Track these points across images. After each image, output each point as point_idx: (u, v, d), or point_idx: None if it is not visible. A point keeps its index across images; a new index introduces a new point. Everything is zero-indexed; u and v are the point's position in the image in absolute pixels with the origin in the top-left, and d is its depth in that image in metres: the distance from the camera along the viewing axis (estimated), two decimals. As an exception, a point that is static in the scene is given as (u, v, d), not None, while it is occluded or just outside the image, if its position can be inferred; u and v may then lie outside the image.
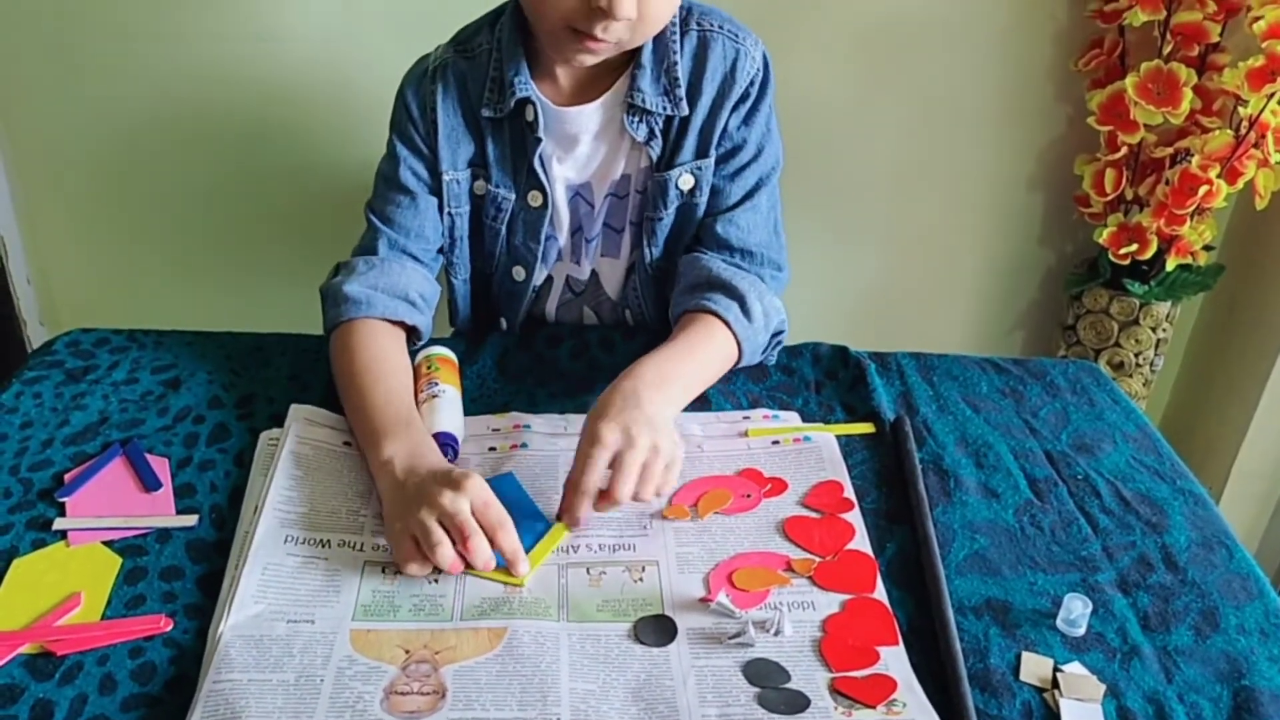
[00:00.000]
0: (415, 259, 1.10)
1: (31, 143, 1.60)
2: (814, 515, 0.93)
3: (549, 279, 1.20)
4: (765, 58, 1.09)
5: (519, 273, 1.16)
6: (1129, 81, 1.38)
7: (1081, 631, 0.82)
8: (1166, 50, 1.39)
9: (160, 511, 0.88)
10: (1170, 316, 1.60)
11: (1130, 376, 1.64)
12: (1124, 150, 1.44)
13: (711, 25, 1.07)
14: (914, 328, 1.84)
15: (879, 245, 1.74)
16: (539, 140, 1.06)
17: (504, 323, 1.21)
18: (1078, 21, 1.53)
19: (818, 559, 0.88)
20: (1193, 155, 1.40)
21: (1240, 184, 1.40)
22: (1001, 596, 0.85)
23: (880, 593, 0.84)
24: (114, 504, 0.88)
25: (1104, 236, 1.51)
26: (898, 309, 1.82)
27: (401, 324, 1.07)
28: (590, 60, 1.00)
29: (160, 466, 0.93)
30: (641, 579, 0.85)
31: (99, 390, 1.04)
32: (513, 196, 1.10)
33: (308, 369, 1.09)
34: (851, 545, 0.89)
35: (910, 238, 1.74)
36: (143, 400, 1.03)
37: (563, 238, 1.16)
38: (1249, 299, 1.63)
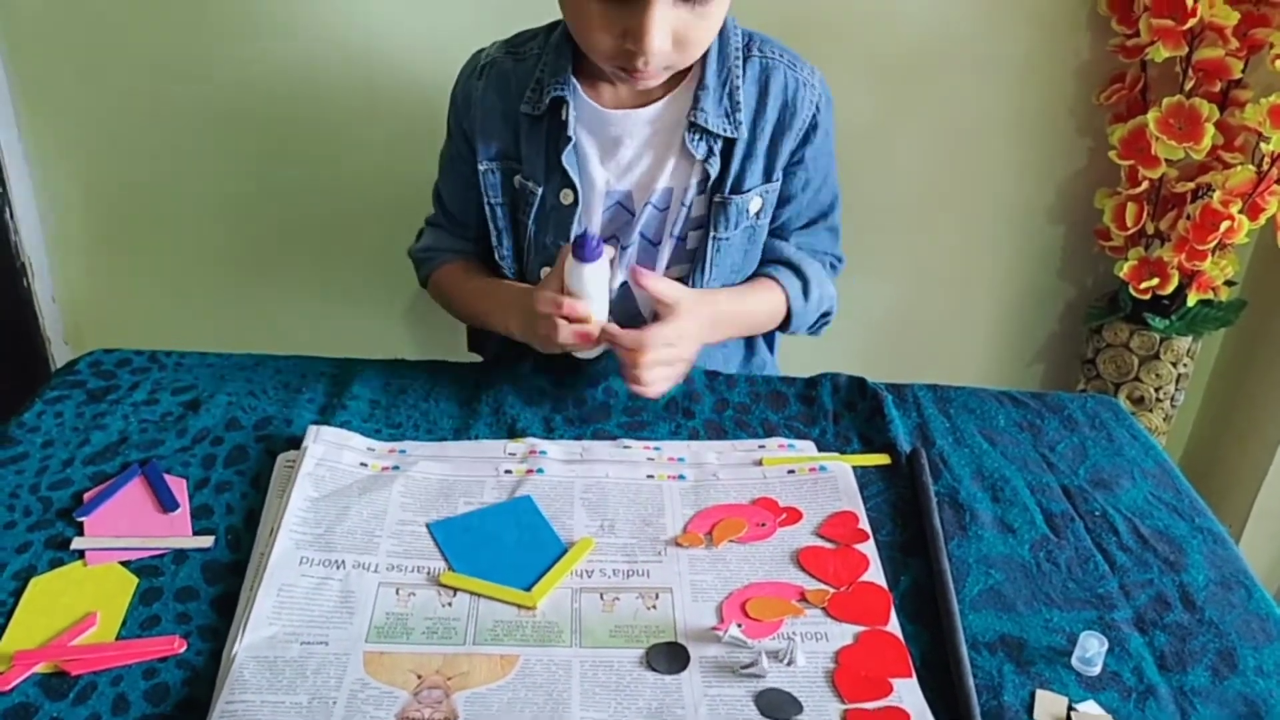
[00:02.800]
0: (458, 236, 1.25)
1: (58, 165, 1.62)
2: (829, 546, 0.92)
3: None
4: (826, 86, 1.15)
5: (546, 274, 1.17)
6: (1151, 116, 1.38)
7: (1097, 670, 0.81)
8: (1189, 86, 1.39)
9: (177, 532, 0.88)
10: (1191, 351, 1.59)
11: (1150, 411, 1.63)
12: (1145, 185, 1.44)
13: (773, 54, 1.12)
14: (933, 358, 1.83)
15: (899, 275, 1.74)
16: (570, 139, 1.09)
17: None
18: (1100, 55, 1.53)
19: (832, 590, 0.87)
20: (1214, 190, 1.39)
21: (1262, 219, 1.39)
22: (1016, 633, 0.84)
23: (894, 625, 0.84)
24: (132, 524, 0.89)
25: (1125, 271, 1.50)
26: (917, 338, 1.82)
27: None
28: (646, 85, 1.06)
29: (178, 487, 0.94)
30: (655, 606, 0.85)
31: (119, 410, 1.04)
32: (540, 191, 1.13)
33: (327, 392, 1.10)
34: (866, 577, 0.89)
35: (931, 268, 1.74)
36: (162, 421, 1.03)
37: None
38: (1271, 335, 1.62)
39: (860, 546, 0.92)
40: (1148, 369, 1.59)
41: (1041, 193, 1.66)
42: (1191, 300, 1.51)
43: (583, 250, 0.99)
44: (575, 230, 1.13)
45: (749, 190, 1.13)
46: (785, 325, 1.22)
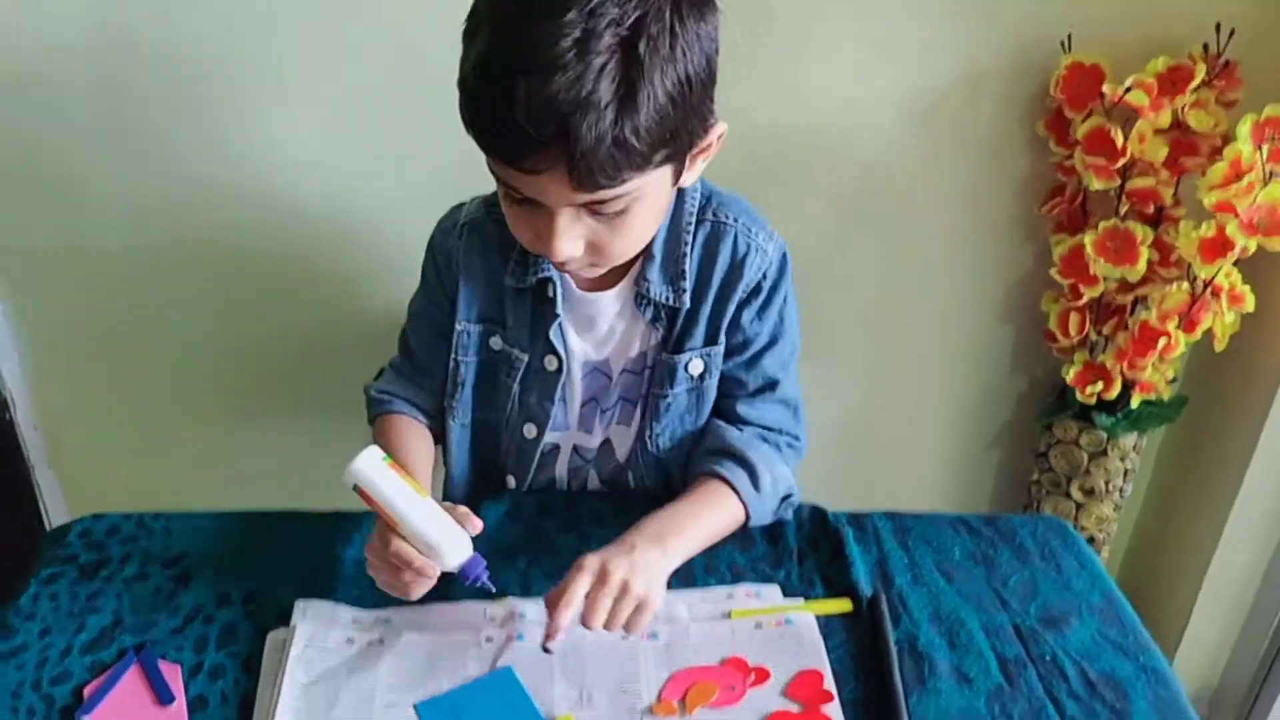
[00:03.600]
0: (418, 385, 1.25)
1: (38, 310, 1.65)
2: (795, 709, 0.98)
3: (556, 446, 1.25)
4: (783, 252, 1.14)
5: (530, 430, 1.21)
6: (1088, 239, 1.45)
7: (1048, 834, 0.87)
8: (1123, 210, 1.46)
9: (176, 728, 0.92)
10: (1137, 447, 1.67)
11: (1101, 502, 1.70)
12: (1086, 299, 1.51)
13: (727, 218, 1.11)
14: (893, 450, 1.90)
15: (856, 376, 1.81)
16: (557, 315, 1.12)
17: (511, 480, 1.27)
18: (1042, 169, 1.60)
19: (800, 757, 0.93)
20: (1152, 308, 1.47)
21: (1199, 333, 1.47)
22: (974, 795, 0.90)
23: (859, 792, 0.89)
24: (132, 720, 0.93)
25: (1071, 376, 1.57)
26: (877, 432, 1.88)
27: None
28: (578, 276, 1.08)
29: (173, 675, 0.98)
30: (634, 783, 0.90)
31: (112, 590, 1.08)
32: (526, 358, 1.16)
33: (314, 553, 1.14)
34: (831, 742, 0.94)
35: (886, 369, 1.81)
36: (154, 599, 1.07)
37: (574, 409, 1.21)
38: (1213, 425, 1.70)
39: (825, 708, 0.98)
40: (1096, 464, 1.67)
41: (991, 296, 1.73)
42: (1135, 401, 1.59)
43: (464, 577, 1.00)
44: (559, 395, 1.16)
45: (688, 351, 1.14)
46: (746, 520, 1.17)
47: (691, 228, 1.10)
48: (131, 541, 1.15)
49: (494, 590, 1.00)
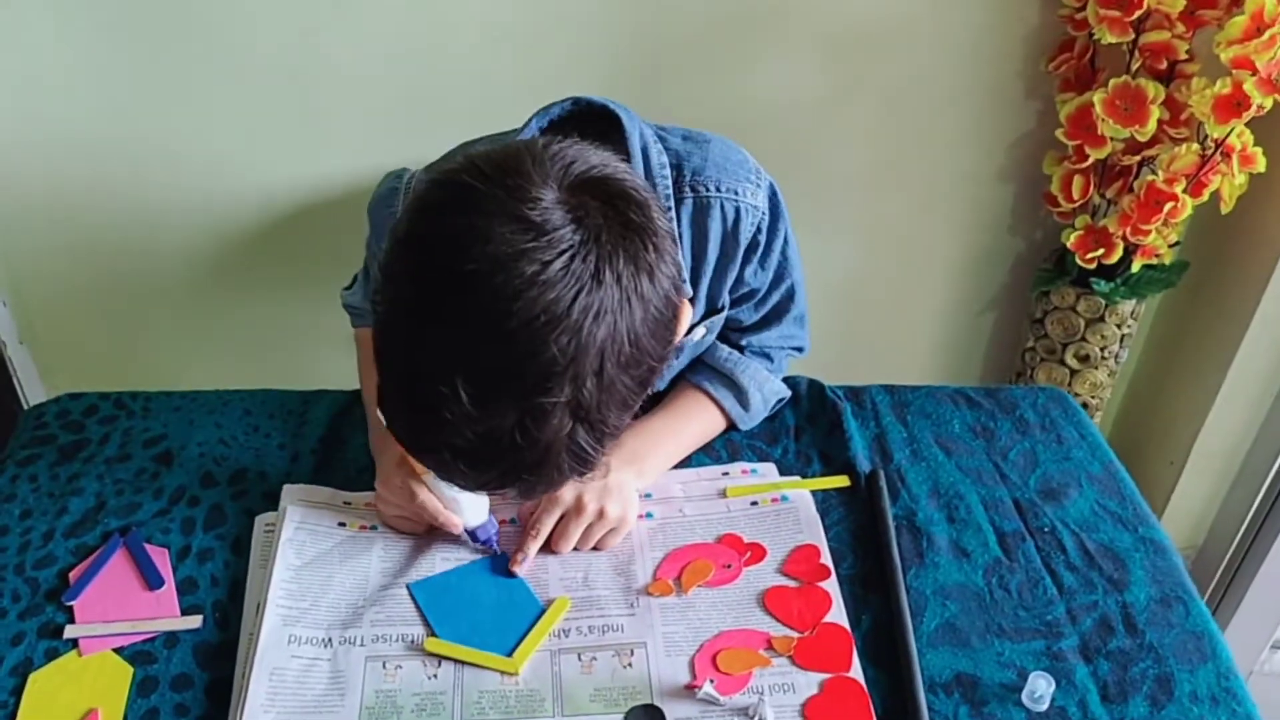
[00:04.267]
0: None
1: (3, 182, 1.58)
2: (792, 585, 0.97)
3: None
4: (772, 193, 1.04)
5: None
6: (1096, 97, 1.39)
7: (1045, 707, 0.87)
8: (1134, 66, 1.40)
9: (165, 613, 0.91)
10: (1135, 313, 1.64)
11: (1096, 369, 1.68)
12: (1091, 160, 1.46)
13: (707, 188, 1.00)
14: (888, 316, 1.87)
15: (852, 240, 1.76)
16: None
17: None
18: (1048, 21, 1.52)
19: (796, 635, 0.92)
20: (1159, 170, 1.41)
21: (1206, 195, 1.42)
22: (971, 670, 0.90)
23: (856, 671, 0.89)
24: (120, 605, 0.91)
25: (1071, 241, 1.53)
26: (873, 297, 1.85)
27: None
28: None
29: (161, 558, 0.96)
30: (630, 664, 0.89)
31: (93, 470, 1.06)
32: None
33: (297, 433, 1.12)
34: (829, 618, 0.94)
35: (882, 232, 1.76)
36: (137, 480, 1.05)
37: None
38: (1212, 289, 1.67)
39: (823, 584, 0.97)
40: (1093, 330, 1.64)
41: (991, 155, 1.67)
42: (1135, 266, 1.55)
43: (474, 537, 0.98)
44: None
45: (691, 324, 1.05)
46: (730, 429, 1.16)
47: (672, 208, 0.99)
48: (110, 421, 1.12)
49: (497, 551, 0.98)
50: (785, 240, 1.07)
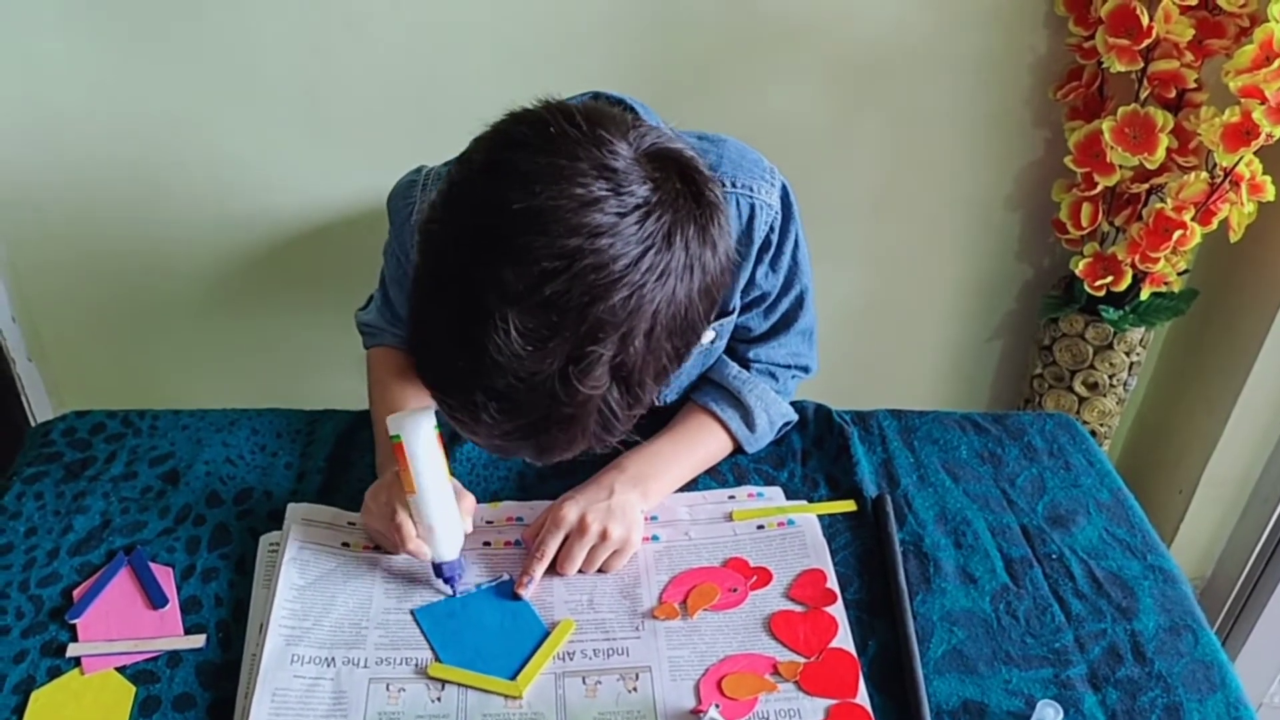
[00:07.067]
0: (398, 322, 1.16)
1: (15, 200, 1.59)
2: (799, 609, 0.96)
3: None
4: (784, 191, 1.03)
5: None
6: (1105, 125, 1.39)
7: (1053, 736, 0.86)
8: (1143, 95, 1.40)
9: (169, 631, 0.91)
10: (1144, 340, 1.64)
11: (1104, 396, 1.68)
12: (1100, 188, 1.46)
13: (723, 184, 0.98)
14: (896, 341, 1.87)
15: (861, 264, 1.76)
16: None
17: None
18: (1057, 50, 1.53)
19: (802, 660, 0.92)
20: (1168, 197, 1.42)
21: (1215, 223, 1.42)
22: (978, 697, 0.89)
23: (863, 697, 0.88)
24: (123, 624, 0.91)
25: (1080, 268, 1.53)
26: (881, 322, 1.85)
27: None
28: None
29: (165, 577, 0.96)
30: (635, 689, 0.88)
31: (99, 488, 1.06)
32: None
33: (303, 453, 1.12)
34: (835, 643, 0.93)
35: (891, 257, 1.76)
36: (142, 498, 1.05)
37: None
38: (1222, 317, 1.66)
39: (829, 609, 0.96)
40: (1102, 358, 1.64)
41: (1000, 182, 1.68)
42: (1144, 294, 1.55)
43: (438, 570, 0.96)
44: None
45: None
46: (736, 451, 1.15)
47: None
48: (117, 439, 1.12)
49: (456, 594, 0.96)
50: (796, 244, 1.06)
